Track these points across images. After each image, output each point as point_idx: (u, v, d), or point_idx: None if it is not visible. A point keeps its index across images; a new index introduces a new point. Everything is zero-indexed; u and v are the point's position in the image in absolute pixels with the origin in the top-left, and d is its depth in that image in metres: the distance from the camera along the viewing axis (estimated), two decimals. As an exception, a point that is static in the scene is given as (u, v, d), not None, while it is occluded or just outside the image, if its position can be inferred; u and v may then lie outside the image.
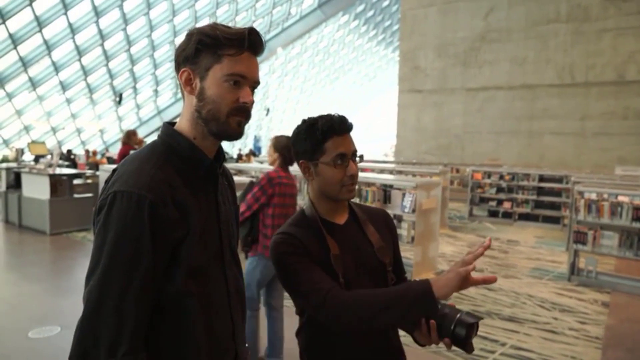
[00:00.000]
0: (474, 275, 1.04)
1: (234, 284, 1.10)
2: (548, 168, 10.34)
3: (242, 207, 2.97)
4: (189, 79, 0.99)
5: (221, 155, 1.09)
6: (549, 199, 9.10)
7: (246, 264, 3.04)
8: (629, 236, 5.06)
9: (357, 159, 1.27)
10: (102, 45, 16.51)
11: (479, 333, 1.09)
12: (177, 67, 1.01)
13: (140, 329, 0.90)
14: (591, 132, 11.91)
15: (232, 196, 1.18)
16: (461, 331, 1.04)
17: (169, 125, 1.05)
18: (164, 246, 0.92)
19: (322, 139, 1.22)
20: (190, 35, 0.99)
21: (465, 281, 1.03)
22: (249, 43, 0.98)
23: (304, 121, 1.27)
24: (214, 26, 0.98)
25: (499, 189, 9.78)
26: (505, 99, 13.10)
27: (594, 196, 5.40)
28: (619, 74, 11.47)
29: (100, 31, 15.94)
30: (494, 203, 9.78)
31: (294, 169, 2.62)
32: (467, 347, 1.05)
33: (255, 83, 1.01)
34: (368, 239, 1.29)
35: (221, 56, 0.97)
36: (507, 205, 9.56)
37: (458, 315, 1.06)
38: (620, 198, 5.22)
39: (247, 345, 1.18)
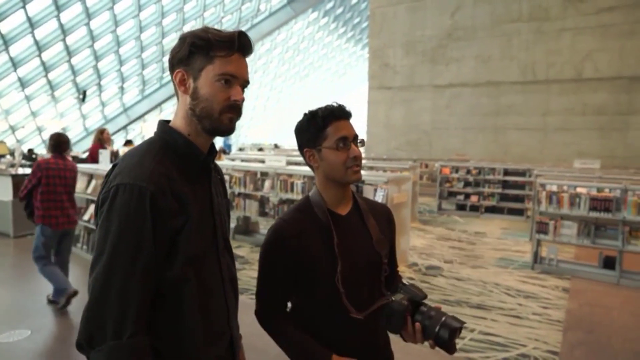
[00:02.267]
0: None
1: (227, 271, 1.15)
2: (512, 162, 10.70)
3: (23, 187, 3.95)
4: (182, 79, 1.04)
5: (213, 150, 1.14)
6: (513, 192, 9.45)
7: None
8: (586, 225, 5.36)
9: (359, 142, 1.31)
10: (63, 40, 15.90)
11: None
12: (172, 69, 1.06)
13: (142, 313, 0.94)
14: (552, 128, 12.42)
15: (223, 190, 1.23)
16: (444, 334, 1.10)
17: (165, 122, 1.09)
18: (164, 235, 0.97)
19: (322, 124, 1.26)
20: (183, 38, 1.04)
21: None
22: (238, 45, 1.04)
23: (305, 114, 1.32)
24: (206, 29, 1.03)
25: (466, 183, 10.07)
26: (471, 96, 13.47)
27: (554, 188, 5.66)
28: (577, 71, 12.00)
29: (61, 26, 15.35)
30: (461, 197, 10.07)
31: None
32: (450, 349, 1.10)
33: (245, 82, 1.07)
34: (368, 231, 1.33)
35: (213, 57, 1.02)
36: (474, 198, 9.87)
37: (443, 318, 1.11)
38: (579, 189, 5.50)
39: (240, 333, 1.23)
